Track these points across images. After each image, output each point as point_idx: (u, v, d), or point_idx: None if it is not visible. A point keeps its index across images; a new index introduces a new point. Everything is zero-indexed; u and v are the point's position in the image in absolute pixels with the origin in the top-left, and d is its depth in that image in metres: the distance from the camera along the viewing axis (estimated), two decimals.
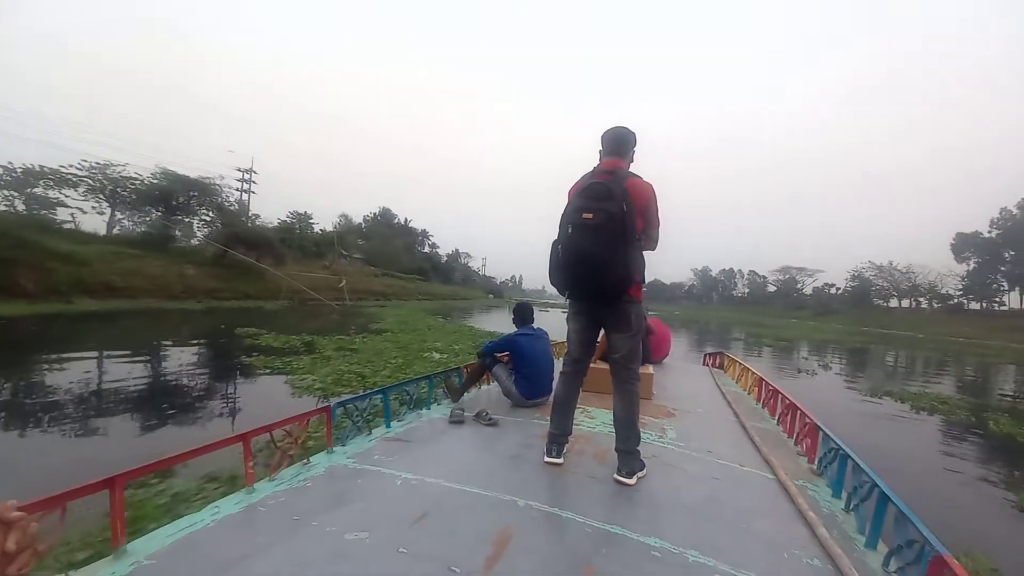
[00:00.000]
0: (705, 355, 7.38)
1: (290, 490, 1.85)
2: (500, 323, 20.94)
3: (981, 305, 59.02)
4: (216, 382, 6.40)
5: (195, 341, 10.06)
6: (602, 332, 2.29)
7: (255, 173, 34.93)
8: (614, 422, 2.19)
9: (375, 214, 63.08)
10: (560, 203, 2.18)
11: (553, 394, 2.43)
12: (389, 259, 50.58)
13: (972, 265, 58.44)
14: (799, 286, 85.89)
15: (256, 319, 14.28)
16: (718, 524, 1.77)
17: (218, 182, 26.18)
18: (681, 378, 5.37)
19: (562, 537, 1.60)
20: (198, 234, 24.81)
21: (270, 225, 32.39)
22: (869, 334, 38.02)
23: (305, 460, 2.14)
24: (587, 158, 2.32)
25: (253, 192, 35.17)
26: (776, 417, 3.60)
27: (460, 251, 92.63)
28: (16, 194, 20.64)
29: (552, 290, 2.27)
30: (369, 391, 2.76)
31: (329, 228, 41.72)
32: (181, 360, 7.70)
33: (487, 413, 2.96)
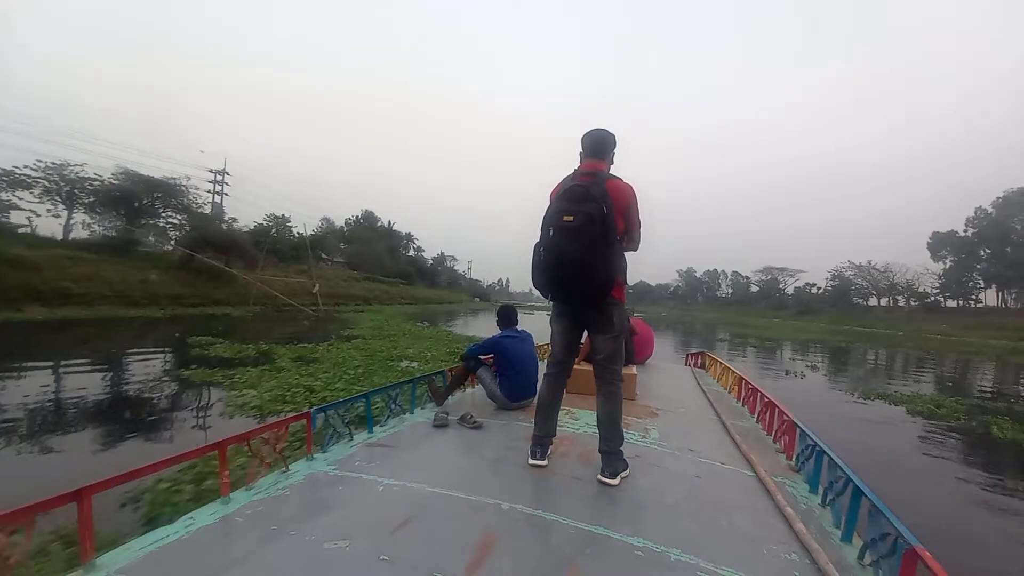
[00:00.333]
0: (687, 355, 7.46)
1: (268, 499, 1.81)
2: (481, 327, 20.32)
3: (957, 303, 60.76)
4: (137, 401, 5.61)
5: (137, 352, 9.23)
6: (585, 333, 2.31)
7: (228, 175, 33.80)
8: (598, 423, 2.21)
9: (358, 217, 61.96)
10: (544, 205, 2.19)
11: (537, 396, 2.44)
12: (372, 263, 49.65)
13: (948, 264, 60.25)
14: (781, 286, 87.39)
15: (220, 327, 13.72)
16: (699, 521, 1.80)
17: (184, 183, 24.99)
18: (664, 378, 5.42)
19: (546, 539, 1.61)
20: (162, 237, 23.57)
21: (246, 229, 31.24)
22: (850, 333, 38.63)
23: (284, 468, 2.09)
24: (572, 158, 2.31)
25: (226, 194, 34.08)
26: (756, 415, 3.67)
27: (446, 254, 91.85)
28: None
29: (541, 295, 2.26)
30: (350, 396, 2.71)
31: (311, 232, 40.42)
32: (108, 375, 6.97)
33: (471, 416, 2.94)
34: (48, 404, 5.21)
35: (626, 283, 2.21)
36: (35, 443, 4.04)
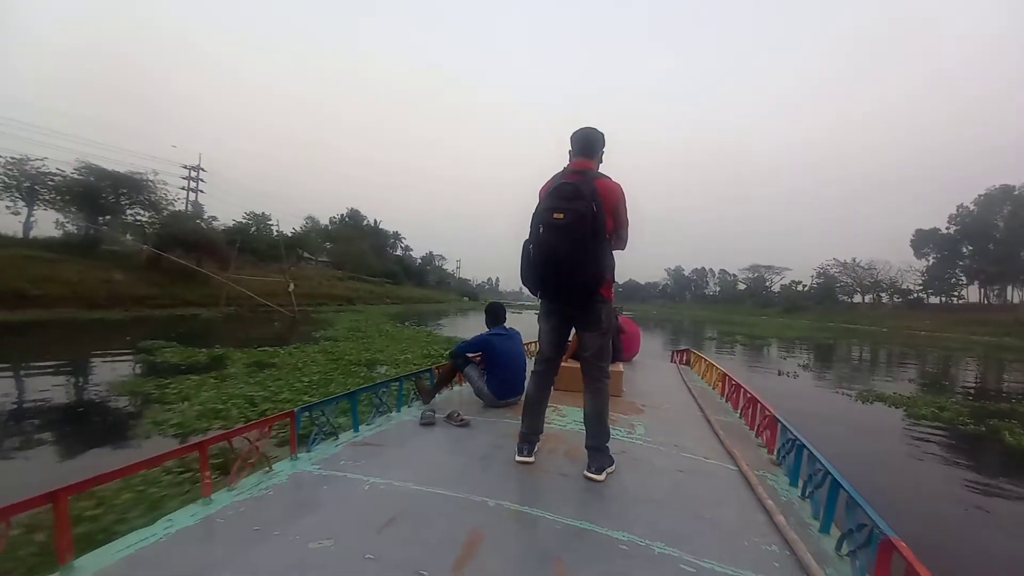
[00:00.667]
0: (673, 352, 7.61)
1: (250, 499, 1.78)
2: (465, 327, 19.65)
3: (940, 299, 61.89)
4: (46, 416, 4.81)
5: (73, 359, 8.37)
6: (573, 331, 2.33)
7: (203, 171, 32.60)
8: (584, 419, 2.24)
9: (343, 215, 60.89)
10: (534, 203, 2.21)
11: (525, 393, 2.46)
12: (357, 262, 48.75)
13: (931, 260, 61.41)
14: (768, 284, 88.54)
15: (183, 330, 13.11)
16: (683, 515, 1.83)
17: (150, 178, 23.70)
18: (650, 375, 5.46)
19: (532, 535, 1.62)
20: (128, 236, 22.40)
21: (223, 227, 30.15)
22: (835, 330, 38.89)
23: (267, 468, 2.06)
24: (562, 156, 2.36)
25: (201, 191, 32.93)
26: (739, 411, 3.73)
27: (435, 253, 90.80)
28: None
29: (530, 292, 2.30)
30: (335, 395, 2.70)
31: (296, 230, 39.44)
32: (20, 386, 6.08)
33: (458, 414, 2.94)
34: None
35: (614, 281, 2.24)
36: None
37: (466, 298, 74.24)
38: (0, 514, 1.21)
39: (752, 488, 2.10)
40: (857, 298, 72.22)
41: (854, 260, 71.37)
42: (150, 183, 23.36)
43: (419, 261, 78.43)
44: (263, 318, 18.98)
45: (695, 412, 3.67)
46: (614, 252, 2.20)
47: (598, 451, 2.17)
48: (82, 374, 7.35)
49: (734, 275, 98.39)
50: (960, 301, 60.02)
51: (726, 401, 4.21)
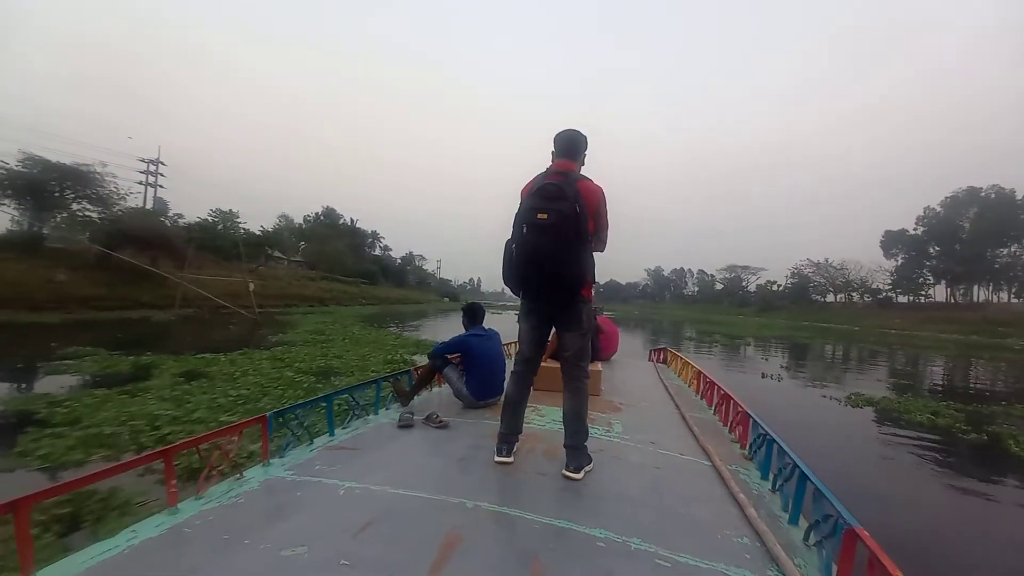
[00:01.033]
0: (651, 351, 7.69)
1: (220, 507, 1.73)
2: (441, 329, 18.84)
3: (909, 298, 63.54)
4: None
5: None
6: (552, 331, 2.35)
7: (163, 164, 30.92)
8: (563, 418, 2.25)
9: (318, 214, 59.04)
10: (515, 205, 2.22)
11: (504, 394, 2.47)
12: (332, 261, 47.38)
13: (900, 261, 63.15)
14: (744, 284, 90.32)
15: (127, 334, 12.21)
16: (659, 511, 1.86)
17: (99, 170, 22.10)
18: (628, 374, 5.50)
19: (511, 536, 1.62)
20: (76, 232, 20.81)
21: (185, 224, 28.59)
22: (810, 328, 39.52)
23: (238, 475, 2.00)
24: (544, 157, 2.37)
25: (161, 186, 31.29)
26: (713, 407, 3.79)
27: (415, 253, 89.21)
28: None
29: (512, 292, 2.29)
30: (310, 399, 2.67)
31: (264, 228, 37.77)
32: None
33: (437, 415, 2.91)
34: None
35: (595, 282, 2.27)
36: None
37: (447, 298, 73.35)
38: None
39: (725, 483, 2.15)
40: (830, 297, 74.35)
41: (827, 260, 73.45)
42: (97, 175, 21.79)
43: (399, 261, 77.27)
44: (222, 320, 17.99)
45: (671, 409, 3.72)
46: (594, 254, 2.22)
47: (576, 450, 2.19)
48: None
49: (712, 275, 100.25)
50: (927, 300, 62.05)
51: (701, 398, 4.28)
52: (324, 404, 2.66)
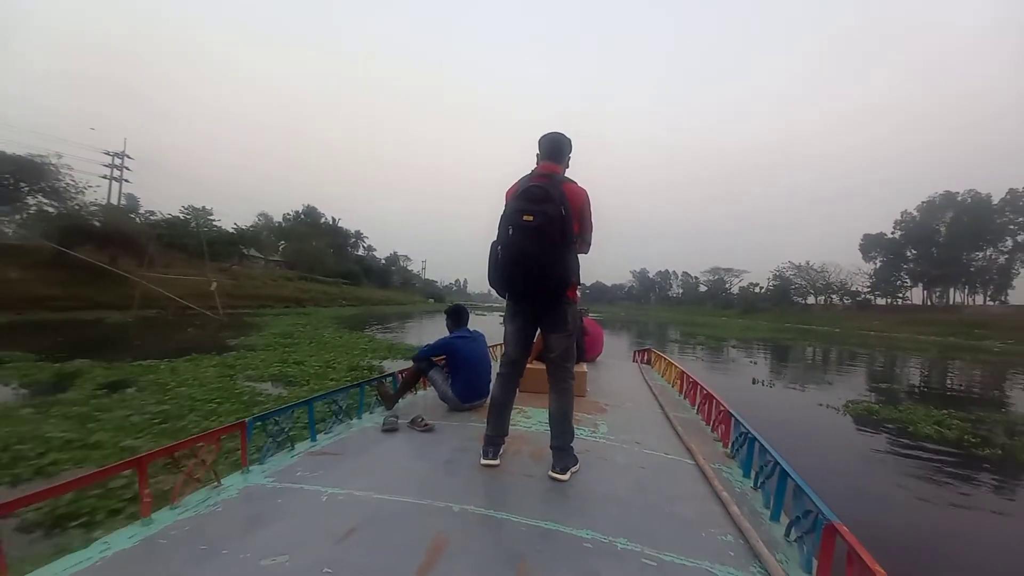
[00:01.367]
0: (635, 352, 7.73)
1: (196, 517, 1.68)
2: (420, 333, 18.10)
3: (887, 300, 64.64)
4: None
5: None
6: (538, 333, 2.36)
7: (129, 158, 29.44)
8: (549, 420, 2.26)
9: (298, 212, 57.38)
10: (500, 207, 2.23)
11: (490, 396, 2.48)
12: (313, 261, 46.23)
13: (878, 264, 64.17)
14: (727, 286, 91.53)
15: (76, 337, 11.61)
16: (644, 510, 1.87)
17: (53, 162, 20.78)
18: (613, 375, 5.52)
19: (497, 538, 1.61)
20: (29, 228, 19.50)
21: (153, 219, 27.30)
22: (793, 330, 39.83)
23: (215, 483, 1.94)
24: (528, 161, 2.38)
25: (127, 180, 29.82)
26: (696, 407, 3.85)
27: (400, 254, 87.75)
28: None
29: (497, 294, 2.30)
30: (290, 404, 2.56)
31: (237, 225, 36.45)
32: None
33: (422, 419, 2.88)
34: None
35: (580, 283, 2.29)
36: None
37: (432, 300, 72.41)
38: None
39: (708, 481, 2.17)
40: (811, 299, 75.96)
41: (808, 263, 74.79)
42: (51, 168, 20.46)
43: (383, 261, 76.00)
44: (185, 322, 17.08)
45: (655, 410, 3.75)
46: (578, 255, 2.23)
47: (562, 451, 2.20)
48: None
49: (696, 277, 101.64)
50: (905, 302, 63.26)
51: (684, 398, 4.34)
52: (305, 409, 2.61)
